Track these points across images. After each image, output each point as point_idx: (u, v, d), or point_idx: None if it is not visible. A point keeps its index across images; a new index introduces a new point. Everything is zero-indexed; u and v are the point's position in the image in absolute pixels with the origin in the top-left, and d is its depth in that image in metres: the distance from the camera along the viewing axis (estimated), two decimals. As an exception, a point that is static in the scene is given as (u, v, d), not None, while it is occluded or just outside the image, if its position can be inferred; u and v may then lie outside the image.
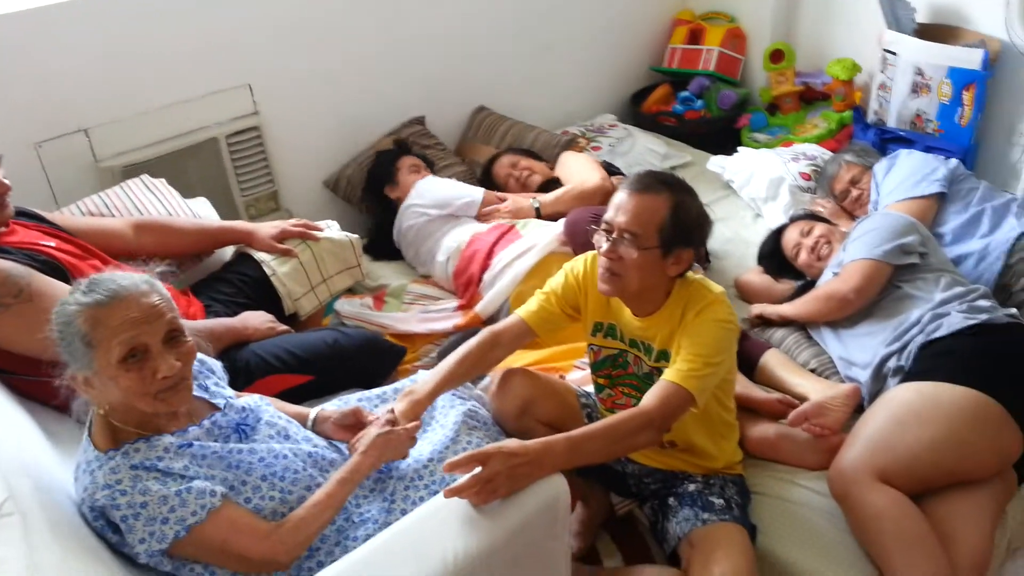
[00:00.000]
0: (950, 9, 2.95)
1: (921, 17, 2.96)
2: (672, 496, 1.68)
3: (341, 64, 2.81)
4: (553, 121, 3.42)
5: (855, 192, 2.55)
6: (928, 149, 2.66)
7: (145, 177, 2.25)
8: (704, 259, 2.54)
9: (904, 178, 2.33)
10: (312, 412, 1.59)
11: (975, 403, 1.63)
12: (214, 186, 2.61)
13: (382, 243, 2.77)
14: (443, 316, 2.41)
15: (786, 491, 1.74)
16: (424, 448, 1.53)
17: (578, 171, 2.75)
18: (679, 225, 1.50)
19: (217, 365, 1.53)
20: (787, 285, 2.38)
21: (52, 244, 1.69)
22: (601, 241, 1.55)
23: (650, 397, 1.48)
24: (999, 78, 2.82)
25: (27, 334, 1.45)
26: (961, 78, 2.77)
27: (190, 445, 1.31)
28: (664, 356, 1.59)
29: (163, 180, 2.26)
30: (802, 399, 1.89)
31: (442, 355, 2.20)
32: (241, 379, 1.73)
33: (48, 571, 1.06)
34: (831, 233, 2.31)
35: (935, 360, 1.77)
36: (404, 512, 1.39)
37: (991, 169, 2.92)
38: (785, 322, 2.19)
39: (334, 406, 1.63)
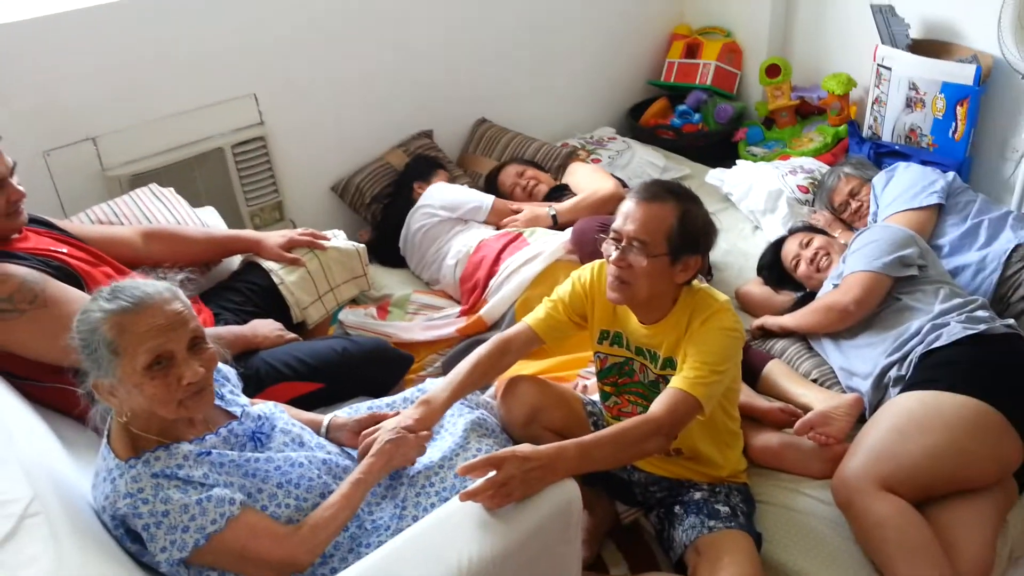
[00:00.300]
0: (943, 25, 2.99)
1: (915, 33, 3.00)
2: (678, 504, 1.69)
3: (345, 75, 2.84)
4: (553, 133, 3.45)
5: (854, 204, 2.58)
6: (923, 163, 2.68)
7: (154, 186, 2.26)
8: (707, 272, 2.56)
9: (903, 190, 2.36)
10: (325, 419, 1.60)
11: (976, 412, 1.65)
12: (219, 196, 2.62)
13: (387, 245, 2.79)
14: (446, 322, 2.42)
15: (790, 500, 1.76)
16: (434, 455, 1.54)
17: (590, 180, 2.78)
18: (687, 232, 1.53)
19: (232, 372, 1.54)
20: (787, 296, 2.41)
21: (64, 251, 1.70)
22: (610, 249, 1.57)
23: (658, 404, 1.49)
24: (992, 93, 2.86)
25: (42, 340, 1.47)
26: (955, 93, 2.81)
27: (209, 453, 1.32)
28: (670, 364, 1.60)
29: (171, 189, 2.28)
30: (806, 409, 1.90)
31: (447, 364, 2.22)
32: (251, 387, 1.73)
33: (74, 570, 1.07)
34: (830, 245, 2.34)
35: (936, 370, 1.79)
36: (416, 518, 1.39)
37: (985, 183, 2.96)
38: (786, 333, 2.21)
39: (345, 414, 1.64)
